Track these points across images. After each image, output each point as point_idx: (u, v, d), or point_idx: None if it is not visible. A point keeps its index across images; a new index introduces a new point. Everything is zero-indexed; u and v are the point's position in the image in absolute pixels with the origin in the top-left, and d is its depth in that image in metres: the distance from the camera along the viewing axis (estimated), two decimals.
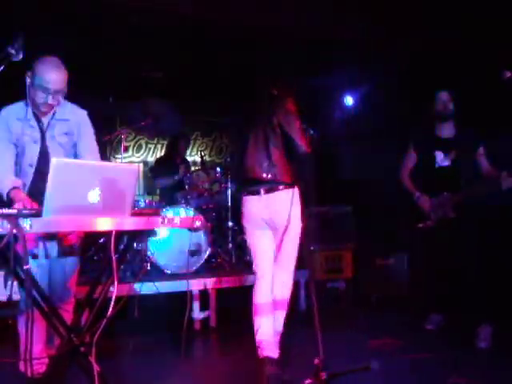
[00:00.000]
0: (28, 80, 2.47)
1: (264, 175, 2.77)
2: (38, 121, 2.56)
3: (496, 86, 3.43)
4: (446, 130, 3.71)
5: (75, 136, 2.66)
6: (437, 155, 3.67)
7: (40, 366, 2.38)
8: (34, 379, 2.20)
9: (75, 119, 2.66)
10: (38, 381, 2.25)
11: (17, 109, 2.55)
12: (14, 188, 2.39)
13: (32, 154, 2.54)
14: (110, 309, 2.07)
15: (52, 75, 2.43)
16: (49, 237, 2.53)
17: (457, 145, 3.63)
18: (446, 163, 3.65)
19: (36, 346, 2.43)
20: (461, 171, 3.58)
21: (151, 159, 7.25)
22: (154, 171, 5.66)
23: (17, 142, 2.52)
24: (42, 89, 2.43)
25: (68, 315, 2.43)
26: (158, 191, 6.35)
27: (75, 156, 2.69)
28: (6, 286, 1.96)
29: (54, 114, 2.58)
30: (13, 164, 2.52)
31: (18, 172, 2.54)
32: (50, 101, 2.46)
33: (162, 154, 7.04)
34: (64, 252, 2.61)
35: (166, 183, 5.38)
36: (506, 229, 4.21)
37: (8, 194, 2.39)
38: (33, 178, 2.53)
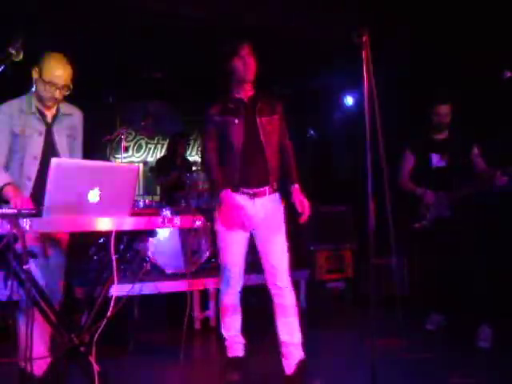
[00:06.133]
0: (35, 75, 2.54)
1: None
2: (42, 114, 2.62)
3: (496, 86, 3.44)
4: (442, 134, 3.77)
5: (74, 132, 2.74)
6: (432, 157, 3.73)
7: (41, 367, 2.37)
8: (34, 377, 2.21)
9: (77, 115, 2.76)
10: (37, 380, 2.25)
11: (19, 103, 2.59)
12: (7, 184, 2.41)
13: (36, 146, 2.57)
14: (110, 309, 2.07)
15: (60, 71, 2.51)
16: (50, 238, 2.54)
17: (451, 146, 3.68)
18: (442, 164, 3.70)
19: (39, 347, 2.42)
20: (456, 171, 3.62)
21: (151, 159, 7.25)
22: (154, 171, 5.69)
23: (21, 132, 2.54)
24: (51, 83, 2.51)
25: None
26: (158, 191, 6.35)
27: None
28: (6, 286, 1.96)
29: (58, 109, 2.65)
30: (4, 160, 2.53)
31: (21, 166, 2.55)
32: (57, 95, 2.54)
33: (163, 154, 7.05)
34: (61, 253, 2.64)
35: (164, 180, 5.43)
36: (503, 227, 4.21)
37: (1, 191, 2.39)
38: (38, 171, 2.54)
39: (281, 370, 2.71)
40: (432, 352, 3.27)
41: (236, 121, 2.69)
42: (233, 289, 2.81)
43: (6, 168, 2.54)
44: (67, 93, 2.58)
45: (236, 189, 2.70)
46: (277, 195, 2.80)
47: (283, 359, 2.72)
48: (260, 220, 2.73)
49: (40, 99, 2.58)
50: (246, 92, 2.77)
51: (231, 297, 2.84)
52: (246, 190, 2.71)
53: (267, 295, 2.78)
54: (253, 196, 2.71)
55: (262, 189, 2.72)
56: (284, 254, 2.76)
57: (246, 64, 2.69)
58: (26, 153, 2.55)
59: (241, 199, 2.70)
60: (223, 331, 2.89)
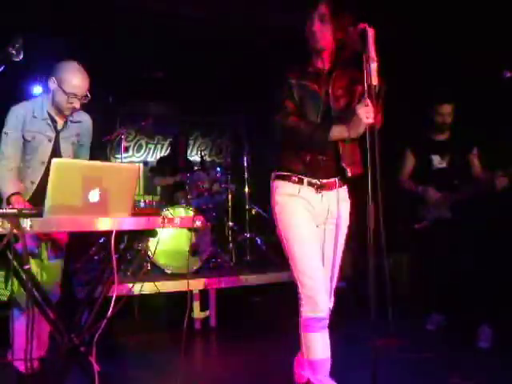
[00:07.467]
0: (53, 84, 2.55)
1: None
2: (53, 121, 2.64)
3: (496, 86, 3.44)
4: (443, 135, 3.78)
5: (82, 138, 2.77)
6: (433, 158, 3.75)
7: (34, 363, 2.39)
8: (31, 376, 2.22)
9: (86, 122, 2.79)
10: (37, 381, 2.25)
11: (33, 107, 2.61)
12: (15, 194, 2.45)
13: (45, 151, 2.61)
14: (110, 309, 2.08)
15: (80, 81, 2.54)
16: (48, 238, 2.55)
17: (452, 147, 3.69)
18: (442, 165, 3.72)
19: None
20: (456, 173, 3.63)
21: (151, 159, 7.24)
22: (154, 170, 5.66)
23: (32, 139, 2.58)
24: (71, 94, 2.52)
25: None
26: (158, 191, 6.35)
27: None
28: (6, 286, 1.96)
29: (68, 116, 2.67)
30: (18, 165, 2.58)
31: (28, 168, 2.60)
32: (77, 105, 2.57)
33: (164, 153, 7.04)
34: (59, 254, 2.66)
35: (162, 183, 5.41)
36: (503, 228, 4.21)
37: (8, 198, 2.45)
38: (43, 176, 2.57)
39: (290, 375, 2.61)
40: (432, 352, 3.27)
41: (316, 87, 2.25)
42: (321, 308, 2.20)
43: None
44: (85, 101, 2.60)
45: (299, 180, 2.25)
46: (346, 189, 2.38)
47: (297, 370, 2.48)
48: (327, 219, 2.34)
49: (57, 107, 2.60)
50: (324, 63, 2.29)
51: (321, 321, 2.21)
52: (311, 181, 2.25)
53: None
54: (320, 188, 2.27)
55: (330, 180, 2.28)
56: (338, 269, 2.39)
57: (312, 30, 2.24)
58: (34, 158, 2.60)
59: (305, 192, 2.26)
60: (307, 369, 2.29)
